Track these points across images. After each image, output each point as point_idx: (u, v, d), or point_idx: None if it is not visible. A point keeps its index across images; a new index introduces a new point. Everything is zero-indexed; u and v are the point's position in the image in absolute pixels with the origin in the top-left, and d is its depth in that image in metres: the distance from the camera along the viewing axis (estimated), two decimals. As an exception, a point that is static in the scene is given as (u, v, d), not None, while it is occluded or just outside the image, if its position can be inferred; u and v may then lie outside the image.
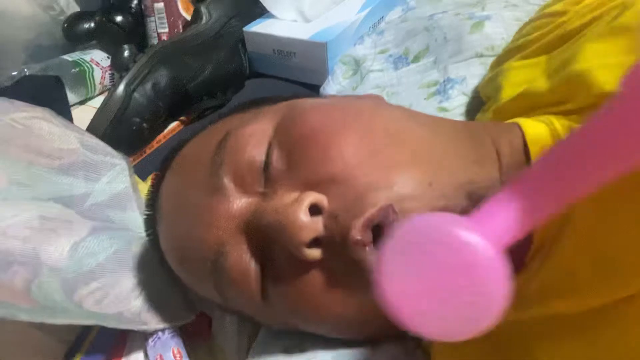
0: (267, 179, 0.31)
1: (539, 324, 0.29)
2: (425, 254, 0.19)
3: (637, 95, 0.17)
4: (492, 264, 0.18)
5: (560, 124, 0.35)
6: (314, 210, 0.28)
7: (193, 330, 0.45)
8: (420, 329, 0.19)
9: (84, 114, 0.70)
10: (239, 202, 0.31)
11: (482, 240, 0.18)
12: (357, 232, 0.27)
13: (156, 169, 0.59)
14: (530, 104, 0.40)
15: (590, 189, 0.19)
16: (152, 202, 0.40)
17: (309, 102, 0.36)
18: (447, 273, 0.18)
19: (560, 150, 0.19)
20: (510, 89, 0.43)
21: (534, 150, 0.33)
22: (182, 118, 0.68)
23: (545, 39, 0.42)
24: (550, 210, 0.19)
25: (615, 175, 0.18)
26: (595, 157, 0.18)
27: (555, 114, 0.37)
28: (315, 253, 0.28)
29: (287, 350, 0.37)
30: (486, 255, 0.18)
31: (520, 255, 0.31)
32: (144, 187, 0.57)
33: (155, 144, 0.65)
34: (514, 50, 0.47)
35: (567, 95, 0.36)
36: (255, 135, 0.32)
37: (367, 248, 0.27)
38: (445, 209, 0.28)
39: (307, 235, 0.27)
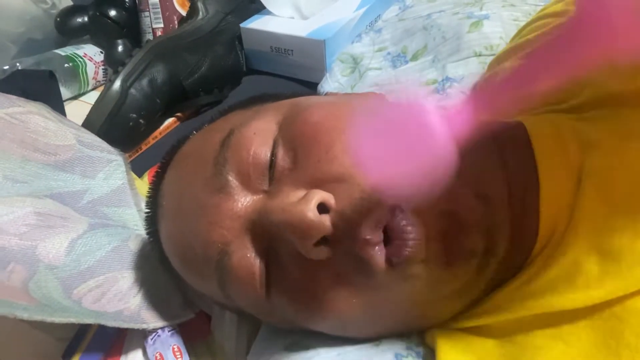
0: (272, 177, 0.31)
1: (544, 320, 0.29)
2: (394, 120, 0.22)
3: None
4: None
5: (561, 121, 0.35)
6: (321, 208, 0.28)
7: (192, 328, 0.45)
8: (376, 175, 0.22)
9: (77, 110, 0.70)
10: (244, 201, 0.31)
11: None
12: (367, 232, 0.27)
13: (152, 165, 0.59)
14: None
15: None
16: (153, 199, 0.39)
17: (312, 99, 0.36)
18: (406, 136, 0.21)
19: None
20: None
21: (537, 147, 0.33)
22: (178, 114, 0.67)
23: (541, 41, 0.42)
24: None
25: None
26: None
27: (557, 111, 0.37)
28: (323, 252, 0.28)
29: (288, 348, 0.37)
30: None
31: (526, 251, 0.31)
32: (141, 183, 0.57)
33: (151, 140, 0.64)
34: (514, 50, 0.47)
35: (568, 94, 0.36)
36: (259, 133, 0.32)
37: (376, 247, 0.27)
38: (452, 207, 0.28)
39: (316, 235, 0.27)
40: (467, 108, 0.21)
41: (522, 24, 0.51)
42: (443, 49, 0.57)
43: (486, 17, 0.57)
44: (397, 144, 0.22)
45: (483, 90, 0.22)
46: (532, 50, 0.22)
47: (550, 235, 0.30)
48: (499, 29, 0.55)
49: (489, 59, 0.53)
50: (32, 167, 0.47)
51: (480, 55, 0.55)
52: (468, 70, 0.55)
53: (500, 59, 0.49)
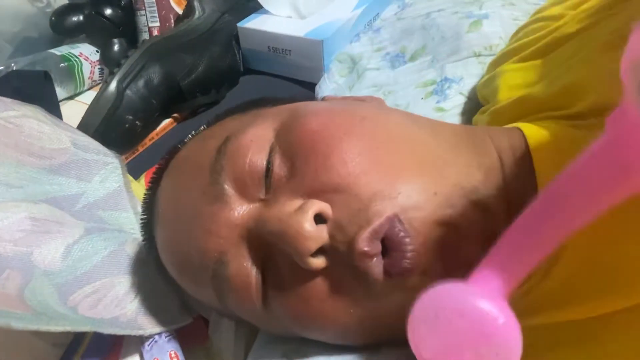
0: (268, 185, 0.31)
1: (540, 334, 0.29)
2: (448, 322, 0.21)
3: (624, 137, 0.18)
4: (506, 327, 0.20)
5: (560, 129, 0.35)
6: (318, 219, 0.28)
7: (190, 334, 0.44)
8: None
9: (72, 110, 0.69)
10: (240, 209, 0.31)
11: (494, 306, 0.20)
12: (364, 243, 0.26)
13: (149, 166, 0.59)
14: (529, 108, 0.40)
15: (574, 228, 0.21)
16: (149, 206, 0.39)
17: (310, 105, 0.36)
18: (468, 337, 0.21)
19: (542, 200, 0.21)
20: (506, 92, 0.43)
21: (536, 156, 0.33)
22: (175, 115, 0.67)
23: (541, 43, 0.42)
24: (542, 254, 0.21)
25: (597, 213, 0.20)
26: (578, 198, 0.20)
27: (556, 118, 0.37)
28: (319, 262, 0.28)
29: (286, 355, 0.37)
30: (500, 322, 0.20)
31: None
32: (137, 185, 0.56)
33: (148, 142, 0.64)
34: (511, 53, 0.47)
35: (566, 102, 0.36)
36: (256, 141, 0.32)
37: (374, 259, 0.27)
38: (450, 218, 0.28)
39: (313, 245, 0.27)
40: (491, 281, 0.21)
41: (522, 23, 0.50)
42: (442, 49, 0.57)
43: (485, 16, 0.57)
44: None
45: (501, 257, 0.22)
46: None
47: None
48: (499, 28, 0.55)
49: (489, 59, 0.53)
50: (27, 171, 0.46)
51: (479, 55, 0.55)
52: (467, 71, 0.55)
53: (497, 61, 0.48)
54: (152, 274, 0.43)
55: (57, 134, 0.50)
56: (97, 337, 0.43)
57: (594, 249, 0.27)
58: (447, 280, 0.21)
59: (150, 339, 0.42)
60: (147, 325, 0.42)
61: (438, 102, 0.54)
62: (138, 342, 0.43)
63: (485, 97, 0.48)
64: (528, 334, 0.29)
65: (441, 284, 0.21)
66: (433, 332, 0.22)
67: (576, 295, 0.27)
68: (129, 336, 0.43)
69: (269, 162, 0.31)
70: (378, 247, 0.27)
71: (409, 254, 0.27)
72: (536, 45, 0.42)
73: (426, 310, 0.22)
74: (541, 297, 0.28)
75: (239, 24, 0.69)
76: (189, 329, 0.44)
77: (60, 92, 0.69)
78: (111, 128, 0.57)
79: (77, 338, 0.44)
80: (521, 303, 0.29)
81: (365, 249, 0.26)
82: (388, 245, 0.27)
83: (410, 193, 0.28)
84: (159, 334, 0.42)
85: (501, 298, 0.20)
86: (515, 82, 0.43)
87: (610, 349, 0.26)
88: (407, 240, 0.27)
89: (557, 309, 0.28)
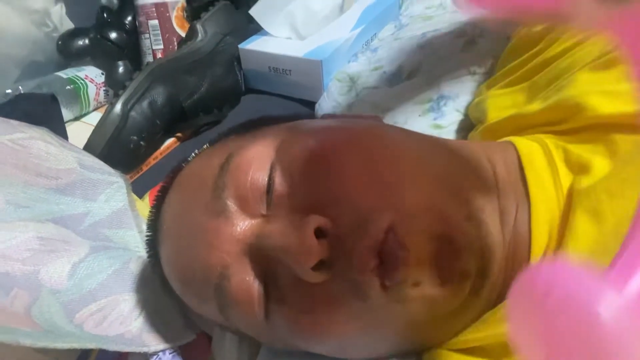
0: (269, 201, 0.32)
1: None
2: (556, 317, 0.16)
3: None
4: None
5: (551, 142, 0.36)
6: (319, 233, 0.29)
7: (193, 350, 0.45)
8: None
9: (78, 131, 0.70)
10: (243, 225, 0.32)
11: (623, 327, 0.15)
12: (361, 257, 0.27)
13: (153, 185, 0.60)
14: (520, 125, 0.41)
15: None
16: (154, 223, 0.40)
17: (309, 124, 0.37)
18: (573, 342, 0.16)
19: None
20: (495, 112, 0.45)
21: (529, 169, 0.34)
22: (178, 134, 0.68)
23: (525, 67, 0.44)
24: None
25: None
26: None
27: (548, 133, 0.38)
28: (320, 275, 0.29)
29: (289, 369, 0.37)
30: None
31: (519, 271, 0.31)
32: (142, 204, 0.57)
33: (152, 161, 0.65)
34: (498, 79, 0.48)
35: (560, 117, 0.37)
36: (257, 158, 0.33)
37: (371, 272, 0.27)
38: (445, 231, 0.29)
39: (313, 259, 0.28)
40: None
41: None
42: (438, 67, 0.58)
43: (480, 35, 0.58)
44: None
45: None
46: None
47: (542, 255, 0.30)
48: (492, 47, 0.56)
49: (483, 78, 0.54)
50: (34, 191, 0.47)
51: (474, 73, 0.56)
52: (463, 89, 0.56)
53: (488, 85, 0.50)
54: (156, 292, 0.44)
55: (63, 155, 0.51)
56: (103, 353, 0.44)
57: (587, 257, 0.28)
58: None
59: (155, 356, 0.43)
60: (152, 342, 0.42)
61: (435, 119, 0.55)
62: (143, 359, 0.43)
63: (475, 118, 0.50)
64: None
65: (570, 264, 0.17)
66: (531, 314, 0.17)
67: None
68: (134, 353, 0.43)
69: (270, 179, 0.32)
70: (375, 259, 0.28)
71: (404, 267, 0.27)
72: (521, 70, 0.44)
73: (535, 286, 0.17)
74: None
75: (240, 46, 0.71)
76: (193, 345, 0.44)
77: (67, 113, 0.71)
78: (116, 148, 0.59)
79: (83, 356, 0.44)
80: None
81: (362, 261, 0.27)
82: (385, 258, 0.28)
83: (407, 207, 0.29)
84: (163, 350, 0.43)
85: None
86: (503, 104, 0.44)
87: None
88: (402, 253, 0.27)
89: None
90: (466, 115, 0.54)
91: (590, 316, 0.15)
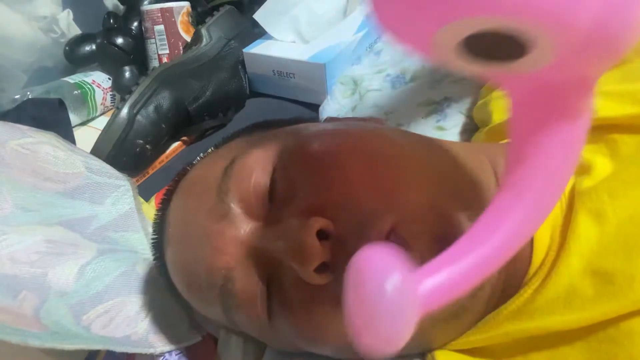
0: (273, 204, 0.32)
1: (541, 341, 0.30)
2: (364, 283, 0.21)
3: None
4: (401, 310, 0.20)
5: None
6: (321, 235, 0.29)
7: (199, 351, 0.45)
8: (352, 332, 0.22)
9: (85, 135, 0.71)
10: (246, 228, 0.32)
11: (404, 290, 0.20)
12: None
13: (159, 188, 0.60)
14: None
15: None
16: (159, 226, 0.40)
17: (311, 127, 0.37)
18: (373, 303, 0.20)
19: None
20: (501, 114, 0.45)
21: None
22: (184, 138, 0.69)
23: None
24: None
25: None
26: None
27: None
28: (323, 277, 0.29)
29: (293, 371, 0.38)
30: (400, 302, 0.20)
31: (520, 272, 0.32)
32: (148, 207, 0.58)
33: (158, 165, 0.66)
34: None
35: None
36: (260, 162, 0.33)
37: None
38: (446, 231, 0.29)
39: (316, 261, 0.28)
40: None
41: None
42: (440, 69, 0.59)
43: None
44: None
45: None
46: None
47: (544, 256, 0.31)
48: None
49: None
50: (42, 195, 0.48)
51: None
52: (466, 91, 0.56)
53: (491, 86, 0.50)
54: (162, 294, 0.44)
55: (71, 159, 0.52)
56: (110, 354, 0.44)
57: (596, 253, 0.28)
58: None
59: (161, 357, 0.43)
60: (158, 344, 0.43)
61: (438, 121, 0.56)
62: (149, 360, 0.44)
63: (480, 120, 0.50)
64: (527, 343, 0.30)
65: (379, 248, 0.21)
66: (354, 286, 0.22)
67: (578, 300, 0.28)
68: (140, 355, 0.44)
69: (273, 182, 0.32)
70: None
71: None
72: None
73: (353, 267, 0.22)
74: (542, 303, 0.29)
75: (245, 50, 0.71)
76: (198, 347, 0.45)
77: (74, 118, 0.72)
78: (123, 152, 0.59)
79: (90, 357, 0.45)
80: (519, 313, 0.30)
81: None
82: None
83: (409, 208, 0.29)
84: (170, 352, 0.43)
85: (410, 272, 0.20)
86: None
87: (609, 355, 0.27)
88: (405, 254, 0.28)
89: (554, 316, 0.28)
90: (469, 117, 0.54)
91: (378, 288, 0.19)
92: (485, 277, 0.22)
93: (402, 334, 0.20)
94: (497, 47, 0.16)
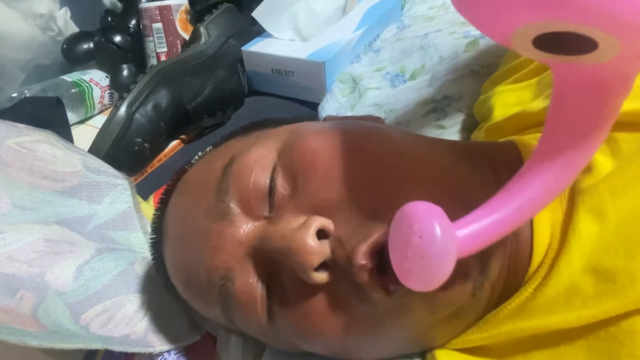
0: (272, 203, 0.32)
1: (542, 340, 0.30)
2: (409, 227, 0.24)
3: None
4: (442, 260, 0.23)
5: None
6: (321, 234, 0.29)
7: (198, 351, 0.45)
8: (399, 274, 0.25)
9: (83, 133, 0.71)
10: (246, 227, 0.32)
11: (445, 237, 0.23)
12: (361, 257, 0.27)
13: (158, 187, 0.60)
14: (524, 124, 0.41)
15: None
16: (158, 225, 0.40)
17: (311, 126, 0.37)
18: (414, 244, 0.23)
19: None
20: (502, 109, 0.45)
21: None
22: (182, 136, 0.68)
23: (534, 63, 0.43)
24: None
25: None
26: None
27: None
28: (322, 277, 0.29)
29: (293, 370, 0.38)
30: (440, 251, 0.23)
31: (521, 271, 0.32)
32: (146, 206, 0.58)
33: (156, 163, 0.66)
34: (506, 74, 0.48)
35: None
36: (259, 161, 0.33)
37: (372, 273, 0.27)
38: None
39: (316, 260, 0.28)
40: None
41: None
42: (440, 68, 0.59)
43: (482, 36, 0.58)
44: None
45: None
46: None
47: (545, 254, 0.30)
48: (495, 48, 0.56)
49: (486, 77, 0.54)
50: (40, 194, 0.48)
51: (477, 74, 0.56)
52: (465, 89, 0.56)
53: (494, 81, 0.50)
54: (161, 293, 0.44)
55: (69, 158, 0.51)
56: (109, 354, 0.44)
57: (590, 255, 0.28)
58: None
59: (160, 357, 0.43)
60: (157, 343, 0.43)
61: (438, 119, 0.56)
62: (148, 359, 0.44)
63: (481, 115, 0.49)
64: (528, 341, 0.29)
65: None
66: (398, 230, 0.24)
67: (579, 298, 0.28)
68: (139, 353, 0.43)
69: (272, 181, 0.32)
70: (376, 261, 0.28)
71: None
72: (530, 66, 0.44)
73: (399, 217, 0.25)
74: (543, 302, 0.29)
75: (244, 48, 0.71)
76: (197, 346, 0.45)
77: (72, 116, 0.72)
78: (121, 151, 0.59)
79: (89, 357, 0.45)
80: (520, 311, 0.30)
81: (362, 262, 0.27)
82: (386, 260, 0.28)
83: None
84: (168, 351, 0.43)
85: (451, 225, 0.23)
86: (510, 101, 0.44)
87: (609, 352, 0.27)
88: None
89: (555, 315, 0.28)
90: (469, 115, 0.54)
91: (429, 230, 0.22)
92: (512, 229, 0.24)
93: (445, 273, 0.23)
94: (567, 40, 0.18)
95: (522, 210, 0.24)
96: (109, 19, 0.84)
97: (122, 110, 0.59)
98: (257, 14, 0.69)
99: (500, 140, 0.40)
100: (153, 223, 0.41)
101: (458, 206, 0.30)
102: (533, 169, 0.25)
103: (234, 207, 0.32)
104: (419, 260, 0.23)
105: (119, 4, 0.87)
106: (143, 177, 0.64)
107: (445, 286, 0.28)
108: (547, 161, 0.24)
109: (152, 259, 0.42)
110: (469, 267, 0.29)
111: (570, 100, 0.23)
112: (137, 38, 0.78)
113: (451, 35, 0.60)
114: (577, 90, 0.23)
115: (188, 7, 0.77)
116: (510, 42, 0.20)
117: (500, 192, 0.25)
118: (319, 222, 0.29)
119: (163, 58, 0.75)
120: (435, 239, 0.22)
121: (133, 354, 0.44)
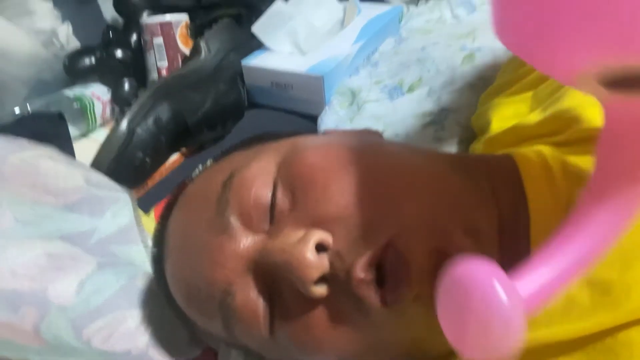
0: (272, 217, 0.32)
1: (540, 352, 0.30)
2: (466, 298, 0.21)
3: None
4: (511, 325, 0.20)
5: (550, 154, 0.36)
6: (320, 248, 0.29)
7: (199, 365, 0.45)
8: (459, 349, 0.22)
9: (86, 147, 0.71)
10: (246, 241, 0.32)
11: (511, 303, 0.20)
12: (360, 271, 0.28)
13: (159, 200, 0.61)
14: (521, 136, 0.41)
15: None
16: (159, 239, 0.40)
17: (310, 140, 0.37)
18: (477, 319, 0.21)
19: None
20: (499, 122, 0.45)
21: (528, 182, 0.34)
22: (183, 150, 0.69)
23: (530, 77, 0.44)
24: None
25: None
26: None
27: (546, 144, 0.38)
28: (321, 290, 0.29)
29: (294, 383, 0.38)
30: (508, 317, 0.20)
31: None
32: (147, 220, 0.58)
33: (157, 177, 0.66)
34: (503, 87, 0.49)
35: (558, 128, 0.37)
36: (259, 175, 0.33)
37: (371, 286, 0.28)
38: (443, 244, 0.29)
39: (315, 274, 0.28)
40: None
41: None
42: (437, 80, 0.59)
43: (478, 49, 0.59)
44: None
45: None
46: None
47: None
48: (491, 61, 0.57)
49: (483, 90, 0.55)
50: (42, 209, 0.48)
51: (474, 86, 0.57)
52: (463, 101, 0.57)
53: (490, 94, 0.50)
54: (162, 307, 0.44)
55: (70, 173, 0.52)
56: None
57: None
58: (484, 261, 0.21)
59: (161, 371, 0.43)
60: (158, 358, 0.43)
61: (436, 131, 0.56)
62: (149, 374, 0.44)
63: (479, 128, 0.50)
64: (526, 353, 0.29)
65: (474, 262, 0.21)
66: (451, 302, 0.22)
67: (576, 310, 0.28)
68: (141, 368, 0.44)
69: (273, 195, 0.32)
70: (373, 274, 0.28)
71: (405, 283, 0.28)
72: (526, 79, 0.44)
73: (448, 282, 0.22)
74: (537, 316, 0.29)
75: (243, 62, 0.72)
76: (199, 360, 0.45)
77: (74, 130, 0.72)
78: (122, 165, 0.60)
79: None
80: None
81: (361, 276, 0.27)
82: (386, 273, 0.28)
83: (406, 221, 0.29)
84: (170, 365, 0.43)
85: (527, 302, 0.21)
86: (507, 114, 0.45)
87: None
88: (404, 268, 0.28)
89: (553, 327, 0.28)
90: (467, 127, 0.55)
91: (493, 296, 0.20)
92: (579, 274, 0.22)
93: (518, 339, 0.20)
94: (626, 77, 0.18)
95: (583, 258, 0.22)
96: (111, 34, 0.85)
97: (124, 124, 0.60)
98: (256, 28, 0.70)
99: (497, 153, 0.40)
100: (154, 237, 0.42)
101: (456, 220, 0.30)
102: (588, 212, 0.23)
103: (234, 221, 0.32)
104: (482, 330, 0.20)
105: (120, 20, 0.88)
106: (144, 190, 0.65)
107: None
108: (604, 204, 0.22)
109: (154, 273, 0.42)
110: None
111: (628, 139, 0.22)
112: (139, 53, 0.79)
113: (448, 48, 0.61)
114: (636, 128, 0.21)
115: (188, 22, 0.78)
116: (573, 79, 0.19)
117: (552, 239, 0.23)
118: (318, 235, 0.29)
119: (164, 72, 0.76)
120: (501, 304, 0.19)
121: (134, 368, 0.44)
